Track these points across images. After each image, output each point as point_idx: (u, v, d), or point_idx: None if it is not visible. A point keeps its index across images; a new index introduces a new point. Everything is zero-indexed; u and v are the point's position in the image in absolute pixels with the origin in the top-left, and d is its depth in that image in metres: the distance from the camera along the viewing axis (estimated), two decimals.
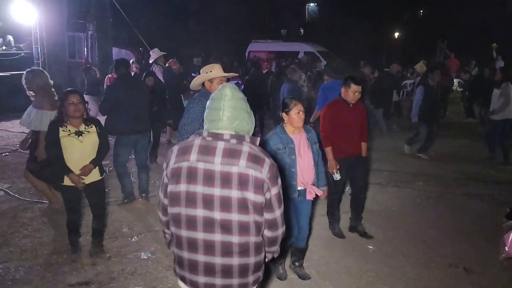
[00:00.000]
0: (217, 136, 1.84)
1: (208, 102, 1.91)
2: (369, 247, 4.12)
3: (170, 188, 1.86)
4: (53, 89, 4.64)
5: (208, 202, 1.79)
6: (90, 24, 16.28)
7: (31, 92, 4.49)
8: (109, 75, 8.64)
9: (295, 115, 3.08)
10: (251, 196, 1.78)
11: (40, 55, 12.47)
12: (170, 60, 8.82)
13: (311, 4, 37.77)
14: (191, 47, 20.83)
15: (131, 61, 12.17)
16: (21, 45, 12.73)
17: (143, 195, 5.18)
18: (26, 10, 12.37)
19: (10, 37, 12.50)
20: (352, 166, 3.96)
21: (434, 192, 5.67)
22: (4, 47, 12.23)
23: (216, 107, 1.86)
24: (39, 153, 4.42)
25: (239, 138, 1.84)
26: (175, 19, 23.85)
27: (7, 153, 7.31)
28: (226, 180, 1.78)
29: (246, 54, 21.45)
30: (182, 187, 1.82)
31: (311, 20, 37.30)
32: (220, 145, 1.81)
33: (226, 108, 1.85)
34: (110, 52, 16.33)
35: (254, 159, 1.79)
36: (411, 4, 30.23)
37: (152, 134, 6.45)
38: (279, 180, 1.85)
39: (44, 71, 4.61)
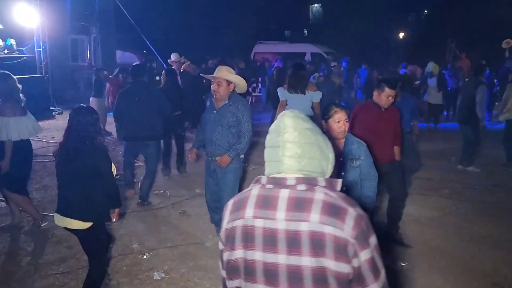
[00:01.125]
0: (279, 182, 1.34)
1: (267, 136, 1.43)
2: (402, 264, 3.78)
3: (226, 255, 1.38)
4: (21, 95, 4.19)
5: (270, 274, 1.30)
6: (94, 26, 16.03)
7: None
8: (110, 76, 8.34)
9: (334, 124, 2.71)
10: (331, 264, 1.25)
11: (42, 58, 12.21)
12: (185, 64, 8.74)
13: (315, 5, 37.58)
14: (195, 49, 20.60)
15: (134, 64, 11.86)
16: (23, 49, 12.45)
17: (139, 201, 5.13)
18: (28, 13, 12.13)
19: (12, 41, 12.22)
20: (388, 173, 3.62)
21: (463, 201, 5.32)
22: (6, 51, 11.95)
23: (274, 144, 1.38)
24: (4, 164, 4.05)
25: (310, 182, 1.33)
26: (178, 20, 23.61)
27: None
28: (293, 243, 1.28)
29: (252, 56, 21.17)
30: (239, 253, 1.34)
31: (315, 21, 37.10)
32: (284, 193, 1.32)
33: (287, 144, 1.35)
34: (114, 54, 16.06)
35: (332, 211, 1.27)
36: (415, 3, 29.92)
37: (175, 141, 6.44)
38: (373, 239, 1.30)
39: (11, 75, 4.15)
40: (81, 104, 2.99)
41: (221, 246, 1.40)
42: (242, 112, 3.63)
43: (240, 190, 4.30)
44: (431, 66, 9.98)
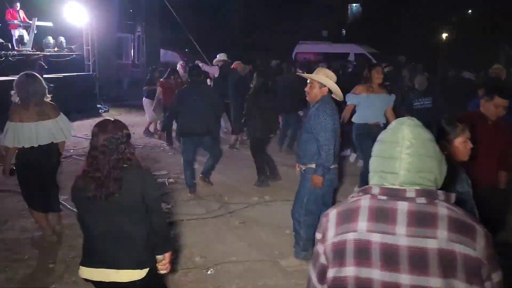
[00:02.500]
0: (396, 194, 1.24)
1: (375, 145, 1.31)
2: None
3: (332, 272, 1.25)
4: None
5: None
6: (139, 25, 16.15)
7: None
8: (161, 79, 8.16)
9: (461, 145, 2.23)
10: (463, 287, 1.15)
11: (90, 56, 12.33)
12: (235, 63, 8.54)
13: (354, 5, 36.77)
14: (235, 50, 20.49)
15: (179, 63, 11.78)
16: (72, 47, 12.64)
17: (201, 175, 5.67)
18: (78, 11, 12.29)
19: (62, 39, 12.43)
20: (485, 199, 3.16)
21: None
22: (56, 48, 12.15)
23: (390, 155, 1.27)
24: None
25: (429, 195, 1.23)
26: (219, 20, 23.59)
27: (62, 159, 6.95)
28: (419, 262, 1.17)
29: (293, 56, 20.80)
30: (350, 270, 1.22)
31: (353, 21, 36.29)
32: (402, 206, 1.22)
33: (407, 157, 1.24)
34: (158, 53, 16.12)
35: (459, 227, 1.18)
36: (459, 3, 28.55)
37: None
38: (497, 259, 1.21)
39: (37, 77, 3.80)
40: (106, 118, 2.33)
41: (322, 260, 1.28)
42: (321, 118, 3.30)
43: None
44: (500, 69, 9.21)
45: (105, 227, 2.13)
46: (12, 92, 3.77)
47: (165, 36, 18.65)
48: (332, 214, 1.32)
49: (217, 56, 9.08)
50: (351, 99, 4.95)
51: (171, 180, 5.98)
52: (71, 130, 4.05)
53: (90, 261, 2.17)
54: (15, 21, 11.51)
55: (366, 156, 4.93)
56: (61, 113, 3.95)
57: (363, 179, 5.05)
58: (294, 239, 3.68)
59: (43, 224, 4.01)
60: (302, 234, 3.56)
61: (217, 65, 8.80)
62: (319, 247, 1.31)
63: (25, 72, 3.86)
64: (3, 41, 10.63)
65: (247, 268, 3.67)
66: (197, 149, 5.61)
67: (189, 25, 16.06)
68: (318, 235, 1.33)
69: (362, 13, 35.98)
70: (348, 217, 1.27)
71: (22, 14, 11.76)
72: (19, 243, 4.00)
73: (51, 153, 3.90)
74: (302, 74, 3.87)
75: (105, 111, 11.77)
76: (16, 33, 11.56)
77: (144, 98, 8.87)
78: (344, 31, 35.24)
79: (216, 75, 8.74)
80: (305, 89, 3.48)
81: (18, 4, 11.63)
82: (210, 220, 4.64)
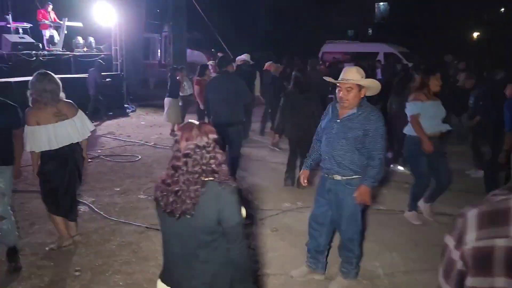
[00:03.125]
0: None
1: None
2: None
3: (473, 282, 1.13)
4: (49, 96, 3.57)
5: None
6: (166, 25, 16.14)
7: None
8: (197, 78, 7.99)
9: None
10: None
11: (118, 56, 12.36)
12: (268, 63, 8.35)
13: (381, 3, 35.97)
14: (259, 49, 20.30)
15: (210, 62, 11.66)
16: (101, 47, 12.71)
17: None
18: (106, 11, 12.33)
19: (91, 39, 12.52)
20: None
21: None
22: (85, 48, 12.24)
23: None
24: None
25: None
26: (245, 20, 23.44)
27: (90, 160, 6.87)
28: None
29: (320, 55, 20.41)
30: (499, 282, 1.10)
31: (381, 20, 35.50)
32: None
33: None
34: (184, 53, 16.07)
35: None
36: (491, 1, 27.40)
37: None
38: None
39: (51, 76, 3.60)
40: (189, 121, 1.89)
41: (461, 267, 1.16)
42: (375, 124, 2.96)
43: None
44: None
45: (177, 246, 1.84)
46: (28, 93, 3.56)
47: (191, 36, 18.64)
48: (471, 215, 1.16)
49: (243, 56, 8.85)
50: (418, 107, 4.33)
51: None
52: (89, 127, 3.81)
53: (163, 277, 1.93)
54: (46, 22, 11.66)
55: (420, 174, 4.52)
56: (79, 110, 3.76)
57: (414, 197, 4.67)
58: (342, 259, 3.37)
59: (61, 229, 3.84)
60: (357, 252, 3.28)
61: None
62: (453, 253, 1.17)
63: (39, 71, 3.67)
64: (34, 41, 10.75)
65: (283, 283, 3.41)
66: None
67: (215, 25, 16.00)
68: (450, 240, 1.18)
69: (390, 12, 35.18)
70: (496, 220, 1.12)
71: (53, 14, 11.91)
72: (45, 248, 3.86)
73: (71, 154, 3.72)
74: (331, 79, 3.25)
75: (132, 111, 11.77)
76: (47, 33, 11.71)
77: (166, 98, 8.79)
78: (370, 31, 34.55)
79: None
80: (341, 94, 2.99)
81: (50, 5, 11.77)
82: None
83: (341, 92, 2.99)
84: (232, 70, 5.94)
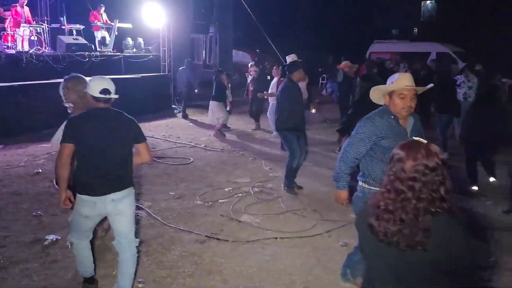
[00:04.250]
0: None
1: None
2: None
3: None
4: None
5: None
6: (211, 25, 16.08)
7: (70, 104, 3.39)
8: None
9: None
10: None
11: (166, 57, 12.39)
12: (344, 63, 7.95)
13: (428, 2, 34.55)
14: (305, 49, 19.93)
15: (249, 64, 11.45)
16: (149, 47, 12.80)
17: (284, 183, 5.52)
18: (155, 12, 12.41)
19: (140, 40, 12.64)
20: None
21: None
22: (134, 49, 12.36)
23: None
24: None
25: None
26: (290, 20, 23.16)
27: None
28: None
29: (367, 56, 19.75)
30: None
31: (427, 19, 34.09)
32: None
33: None
34: (230, 53, 15.96)
35: None
36: None
37: None
38: None
39: (85, 79, 3.40)
40: (414, 139, 1.66)
41: None
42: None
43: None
44: None
45: (389, 276, 1.60)
46: (63, 96, 3.32)
47: (235, 36, 18.54)
48: None
49: (287, 57, 8.48)
50: None
51: (256, 189, 5.53)
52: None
53: None
54: (98, 23, 11.86)
55: None
56: None
57: None
58: None
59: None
60: None
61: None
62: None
63: (72, 74, 3.48)
64: (87, 42, 10.94)
65: None
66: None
67: (257, 25, 15.75)
68: None
69: (437, 10, 33.73)
70: None
71: (104, 16, 12.11)
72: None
73: None
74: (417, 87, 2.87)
75: (179, 112, 11.73)
76: (98, 34, 11.91)
77: (211, 101, 8.64)
78: (416, 30, 33.27)
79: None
80: (406, 103, 2.65)
81: (102, 7, 11.98)
82: (307, 240, 4.09)
83: (406, 100, 2.65)
84: (300, 77, 5.61)
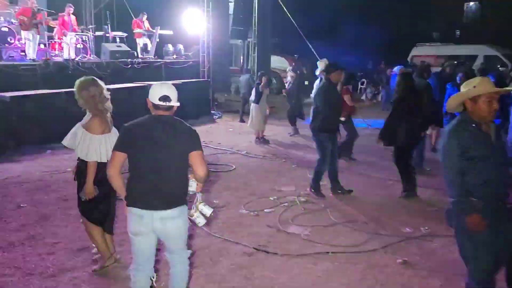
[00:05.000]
0: None
1: None
2: None
3: None
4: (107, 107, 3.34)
5: None
6: (250, 31, 16.02)
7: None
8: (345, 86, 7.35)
9: None
10: None
11: (205, 63, 12.43)
12: (399, 69, 7.55)
13: (472, 3, 33.12)
14: (343, 54, 19.52)
15: (287, 69, 11.26)
16: (189, 54, 12.90)
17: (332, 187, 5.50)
18: (195, 19, 12.50)
19: (180, 46, 12.77)
20: None
21: None
22: (175, 56, 12.49)
23: None
24: (86, 190, 3.26)
25: None
26: (328, 25, 22.83)
27: None
28: None
29: (409, 59, 19.12)
30: None
31: (470, 21, 32.67)
32: None
33: None
34: (269, 59, 15.85)
35: None
36: None
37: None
38: None
39: (97, 81, 3.36)
40: None
41: None
42: None
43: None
44: None
45: None
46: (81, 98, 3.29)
47: (273, 42, 18.42)
48: None
49: (318, 63, 8.17)
50: None
51: (301, 198, 5.32)
52: None
53: None
54: (141, 30, 12.07)
55: None
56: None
57: None
58: None
59: (100, 241, 3.47)
60: None
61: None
62: None
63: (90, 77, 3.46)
64: (129, 49, 11.15)
65: None
66: None
67: (295, 30, 15.59)
68: None
69: (482, 12, 32.29)
70: None
71: (147, 24, 12.32)
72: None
73: None
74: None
75: (218, 117, 11.71)
76: (140, 41, 12.12)
77: (252, 104, 8.50)
78: (458, 32, 31.98)
79: None
80: (493, 106, 2.46)
81: (145, 15, 12.21)
82: (361, 256, 3.84)
83: (492, 104, 2.46)
84: (339, 78, 5.45)
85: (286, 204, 5.12)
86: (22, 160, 6.94)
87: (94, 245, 3.60)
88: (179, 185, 2.64)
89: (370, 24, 24.66)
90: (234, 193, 5.60)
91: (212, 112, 11.87)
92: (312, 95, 6.72)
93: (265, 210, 4.92)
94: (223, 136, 9.39)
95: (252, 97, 8.76)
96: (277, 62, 18.12)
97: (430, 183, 5.71)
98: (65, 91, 8.44)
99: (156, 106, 2.61)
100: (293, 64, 18.25)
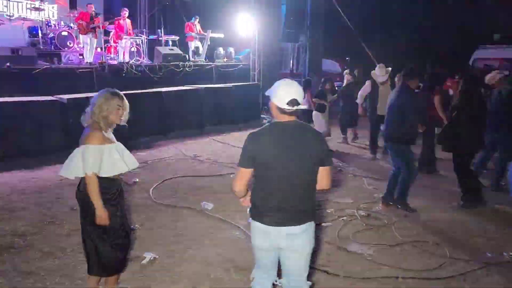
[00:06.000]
0: None
1: None
2: None
3: None
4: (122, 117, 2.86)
5: None
6: (301, 34, 15.67)
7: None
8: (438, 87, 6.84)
9: None
10: None
11: (256, 66, 12.22)
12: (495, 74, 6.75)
13: None
14: (397, 57, 18.64)
15: (344, 72, 10.74)
16: (240, 57, 12.77)
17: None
18: (247, 22, 12.36)
19: (231, 49, 12.67)
20: None
21: None
22: (225, 59, 12.41)
23: None
24: (98, 214, 2.70)
25: None
26: (379, 28, 22.00)
27: (219, 174, 6.51)
28: None
29: (470, 63, 17.87)
30: None
31: None
32: None
33: None
34: (320, 62, 15.41)
35: None
36: None
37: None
38: None
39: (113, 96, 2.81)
40: None
41: None
42: None
43: None
44: None
45: None
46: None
47: (324, 45, 17.93)
48: None
49: (376, 70, 7.52)
50: None
51: (361, 212, 4.90)
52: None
53: None
54: (192, 34, 12.10)
55: None
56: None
57: None
58: None
59: None
60: None
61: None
62: None
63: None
64: (182, 52, 11.18)
65: None
66: None
67: (352, 33, 15.02)
68: None
69: None
70: None
71: (198, 27, 12.34)
72: None
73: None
74: None
75: (268, 121, 11.43)
76: (192, 45, 12.15)
77: (314, 112, 8.05)
78: None
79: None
80: None
81: (197, 18, 12.24)
82: (436, 283, 3.37)
83: None
84: (416, 86, 5.03)
85: (344, 218, 4.72)
86: None
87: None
88: (309, 199, 2.42)
89: (427, 26, 23.51)
90: None
91: (262, 116, 11.62)
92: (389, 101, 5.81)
93: (322, 224, 4.54)
94: None
95: (305, 106, 8.38)
96: (328, 65, 17.63)
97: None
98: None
99: (282, 111, 2.32)
100: (345, 67, 17.69)
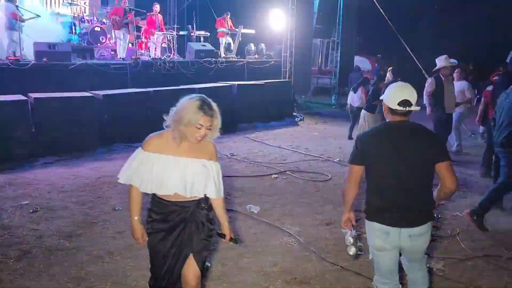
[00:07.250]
0: None
1: None
2: None
3: None
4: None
5: None
6: (332, 30, 15.28)
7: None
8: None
9: None
10: None
11: (287, 63, 11.93)
12: None
13: None
14: (430, 53, 18.00)
15: (388, 69, 10.36)
16: (271, 53, 12.50)
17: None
18: (278, 18, 12.07)
19: (262, 45, 12.42)
20: None
21: None
22: (256, 55, 12.15)
23: None
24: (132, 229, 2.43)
25: None
26: (411, 25, 21.35)
27: (274, 175, 6.26)
28: None
29: (508, 60, 17.12)
30: None
31: None
32: None
33: None
34: (352, 59, 15.01)
35: None
36: None
37: None
38: None
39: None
40: None
41: None
42: None
43: None
44: None
45: None
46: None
47: (356, 41, 17.49)
48: None
49: (436, 60, 7.00)
50: None
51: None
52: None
53: None
54: (224, 30, 11.89)
55: None
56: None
57: None
58: None
59: None
60: None
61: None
62: None
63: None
64: (214, 48, 10.98)
65: None
66: None
67: (384, 29, 14.53)
68: None
69: None
70: None
71: (229, 22, 12.11)
72: None
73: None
74: None
75: (300, 120, 11.13)
76: (223, 41, 11.95)
77: (363, 111, 7.69)
78: None
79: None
80: None
81: (228, 14, 12.02)
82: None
83: None
84: None
85: None
86: (113, 158, 6.88)
87: None
88: (427, 199, 2.43)
89: (459, 22, 22.72)
90: (336, 207, 4.96)
91: (294, 113, 11.32)
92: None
93: None
94: (309, 141, 8.79)
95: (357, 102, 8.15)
96: (358, 62, 17.18)
97: None
98: (153, 90, 8.39)
99: (393, 111, 2.39)
100: (376, 65, 17.18)
